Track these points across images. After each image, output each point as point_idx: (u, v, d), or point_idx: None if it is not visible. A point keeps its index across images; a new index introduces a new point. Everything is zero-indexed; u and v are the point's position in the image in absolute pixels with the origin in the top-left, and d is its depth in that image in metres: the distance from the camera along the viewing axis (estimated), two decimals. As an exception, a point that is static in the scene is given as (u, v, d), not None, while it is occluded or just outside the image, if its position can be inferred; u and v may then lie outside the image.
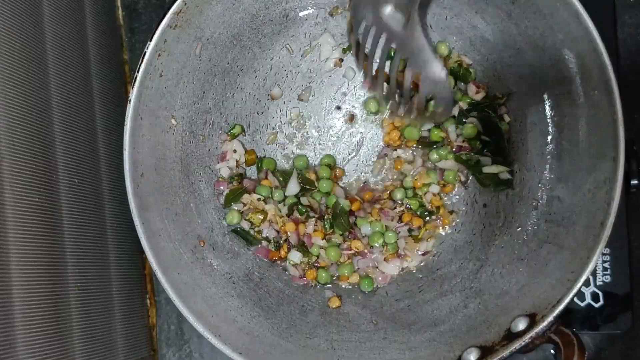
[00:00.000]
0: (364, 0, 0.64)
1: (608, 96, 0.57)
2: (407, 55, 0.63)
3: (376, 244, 0.73)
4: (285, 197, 0.74)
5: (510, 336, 0.58)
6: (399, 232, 0.73)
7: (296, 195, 0.74)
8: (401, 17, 0.62)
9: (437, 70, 0.61)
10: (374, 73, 0.69)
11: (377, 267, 0.73)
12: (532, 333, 0.56)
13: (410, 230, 0.74)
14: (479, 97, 0.72)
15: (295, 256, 0.73)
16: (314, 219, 0.73)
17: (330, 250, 0.72)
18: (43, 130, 0.65)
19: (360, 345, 0.66)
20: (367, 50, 0.67)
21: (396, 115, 0.72)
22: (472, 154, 0.72)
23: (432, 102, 0.66)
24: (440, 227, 0.74)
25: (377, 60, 0.67)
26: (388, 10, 0.62)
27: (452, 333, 0.64)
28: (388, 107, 0.72)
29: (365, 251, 0.73)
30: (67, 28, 0.71)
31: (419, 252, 0.73)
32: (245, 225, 0.73)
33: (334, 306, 0.71)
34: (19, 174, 0.60)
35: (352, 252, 0.73)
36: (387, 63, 0.67)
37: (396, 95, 0.69)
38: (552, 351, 0.77)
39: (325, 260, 0.73)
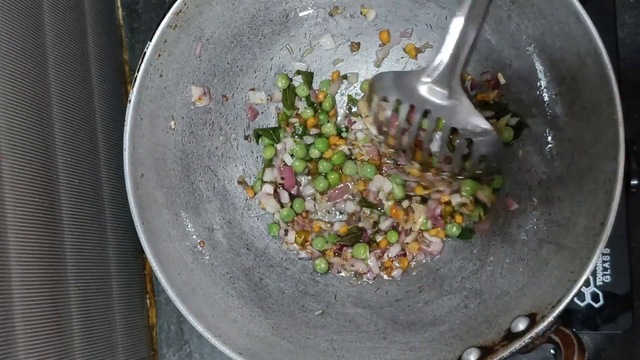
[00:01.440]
0: (394, 82, 0.64)
1: (608, 96, 0.57)
2: (458, 124, 0.61)
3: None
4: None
5: (511, 336, 0.58)
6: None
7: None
8: (441, 90, 0.61)
9: (480, 121, 0.61)
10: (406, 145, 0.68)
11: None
12: (532, 333, 0.56)
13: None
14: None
15: (291, 236, 0.74)
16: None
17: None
18: (43, 131, 0.65)
19: (360, 346, 0.66)
20: (404, 126, 0.66)
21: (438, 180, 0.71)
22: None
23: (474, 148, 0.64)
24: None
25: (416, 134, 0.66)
26: (427, 87, 0.61)
27: (452, 333, 0.64)
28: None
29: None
30: (67, 28, 0.71)
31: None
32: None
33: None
34: (19, 174, 0.60)
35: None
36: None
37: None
38: (552, 351, 0.77)
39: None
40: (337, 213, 0.77)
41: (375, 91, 0.66)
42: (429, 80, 0.61)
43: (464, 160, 0.65)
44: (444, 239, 0.74)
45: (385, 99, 0.65)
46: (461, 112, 0.61)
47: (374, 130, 0.69)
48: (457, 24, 0.57)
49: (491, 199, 0.71)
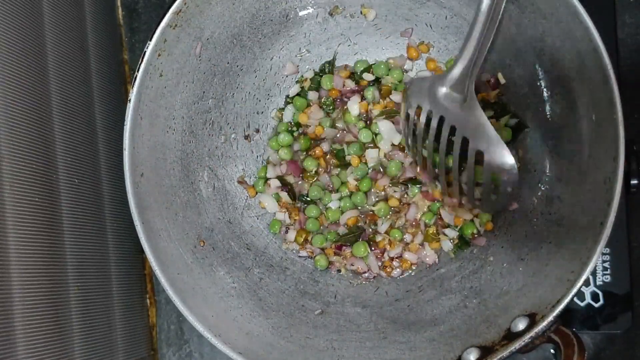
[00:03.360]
0: (421, 88, 0.64)
1: (608, 96, 0.57)
2: (469, 134, 0.61)
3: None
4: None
5: (510, 336, 0.58)
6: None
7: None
8: (458, 96, 0.62)
9: (505, 156, 0.60)
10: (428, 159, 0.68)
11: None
12: (532, 333, 0.56)
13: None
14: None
15: (292, 235, 0.75)
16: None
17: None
18: (43, 130, 0.65)
19: (360, 345, 0.66)
20: (422, 137, 0.66)
21: (449, 201, 0.72)
22: None
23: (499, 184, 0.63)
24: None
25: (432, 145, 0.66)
26: (444, 91, 0.62)
27: (452, 333, 0.64)
28: (441, 190, 0.71)
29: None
30: (67, 28, 0.71)
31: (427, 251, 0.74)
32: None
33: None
34: (19, 173, 0.60)
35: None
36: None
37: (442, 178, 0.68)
38: (552, 351, 0.77)
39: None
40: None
41: (405, 98, 0.67)
42: (446, 84, 0.61)
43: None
44: (439, 249, 0.74)
45: (411, 107, 0.66)
46: (473, 122, 0.61)
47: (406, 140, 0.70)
48: (478, 26, 0.58)
49: (488, 227, 0.72)
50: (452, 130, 0.63)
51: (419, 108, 0.65)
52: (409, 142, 0.69)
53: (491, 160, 0.61)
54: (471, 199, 0.67)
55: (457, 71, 0.61)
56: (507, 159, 0.60)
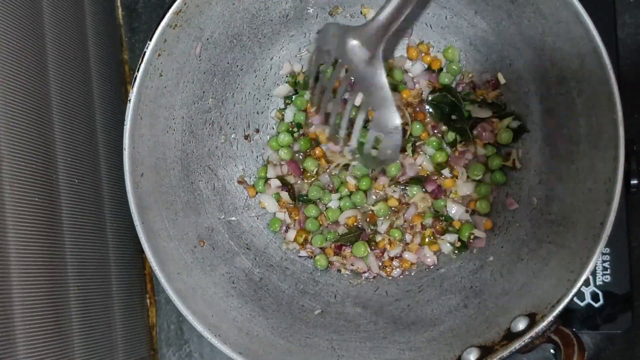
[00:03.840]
0: (332, 32, 0.64)
1: (608, 96, 0.57)
2: (365, 91, 0.62)
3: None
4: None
5: (510, 336, 0.58)
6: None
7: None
8: (366, 52, 0.61)
9: (393, 117, 0.61)
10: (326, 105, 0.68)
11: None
12: (532, 333, 0.56)
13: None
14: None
15: (291, 234, 0.75)
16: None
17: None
18: (43, 130, 0.65)
19: (360, 345, 0.66)
20: (324, 83, 0.67)
21: (339, 151, 0.74)
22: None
23: (380, 145, 0.64)
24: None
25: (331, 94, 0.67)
26: (354, 43, 0.61)
27: (452, 333, 0.64)
28: (334, 141, 0.73)
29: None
30: (67, 28, 0.71)
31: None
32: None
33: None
34: (19, 173, 0.60)
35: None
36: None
37: (342, 131, 0.68)
38: (552, 351, 0.77)
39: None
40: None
41: (319, 44, 0.66)
42: (358, 37, 0.61)
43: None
44: (438, 251, 0.74)
45: (320, 50, 0.66)
46: (372, 81, 0.61)
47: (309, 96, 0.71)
48: None
49: (487, 226, 0.72)
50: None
51: (328, 53, 0.65)
52: (311, 81, 0.69)
53: (380, 118, 0.62)
54: (353, 150, 0.67)
55: (372, 26, 0.60)
56: (395, 120, 0.61)
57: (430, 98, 0.74)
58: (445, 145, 0.74)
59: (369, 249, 0.74)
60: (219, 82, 0.72)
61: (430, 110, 0.74)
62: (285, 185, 0.75)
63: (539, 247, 0.64)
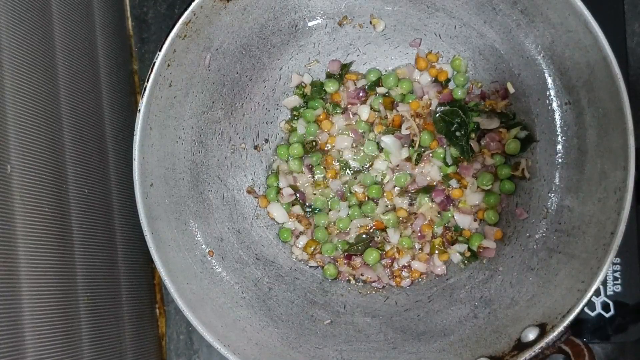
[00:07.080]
0: None
1: (617, 105, 0.57)
2: None
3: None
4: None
5: (520, 346, 0.57)
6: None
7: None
8: None
9: None
10: None
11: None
12: (542, 343, 0.56)
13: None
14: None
15: (302, 240, 0.75)
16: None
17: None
18: (53, 141, 0.65)
19: (369, 356, 0.65)
20: None
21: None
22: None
23: None
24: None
25: None
26: None
27: (461, 343, 0.64)
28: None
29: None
30: (77, 39, 0.72)
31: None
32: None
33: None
34: (29, 184, 0.61)
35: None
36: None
37: None
38: (562, 361, 0.77)
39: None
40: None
41: None
42: None
43: None
44: (447, 261, 0.73)
45: None
46: None
47: None
48: None
49: (497, 236, 0.72)
50: None
51: None
52: None
53: None
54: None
55: None
56: None
57: (439, 110, 0.74)
58: (449, 159, 0.74)
59: (378, 257, 0.74)
60: (228, 92, 0.72)
61: (437, 121, 0.74)
62: (297, 192, 0.75)
63: (549, 256, 0.64)
